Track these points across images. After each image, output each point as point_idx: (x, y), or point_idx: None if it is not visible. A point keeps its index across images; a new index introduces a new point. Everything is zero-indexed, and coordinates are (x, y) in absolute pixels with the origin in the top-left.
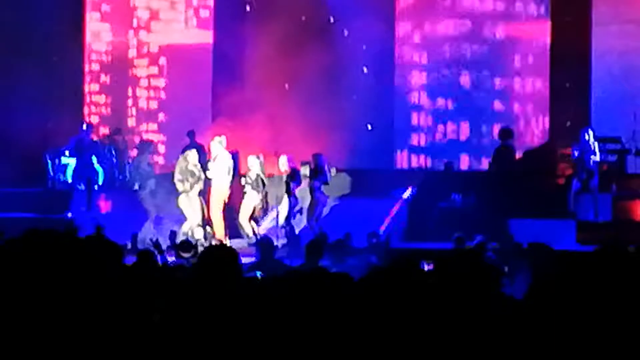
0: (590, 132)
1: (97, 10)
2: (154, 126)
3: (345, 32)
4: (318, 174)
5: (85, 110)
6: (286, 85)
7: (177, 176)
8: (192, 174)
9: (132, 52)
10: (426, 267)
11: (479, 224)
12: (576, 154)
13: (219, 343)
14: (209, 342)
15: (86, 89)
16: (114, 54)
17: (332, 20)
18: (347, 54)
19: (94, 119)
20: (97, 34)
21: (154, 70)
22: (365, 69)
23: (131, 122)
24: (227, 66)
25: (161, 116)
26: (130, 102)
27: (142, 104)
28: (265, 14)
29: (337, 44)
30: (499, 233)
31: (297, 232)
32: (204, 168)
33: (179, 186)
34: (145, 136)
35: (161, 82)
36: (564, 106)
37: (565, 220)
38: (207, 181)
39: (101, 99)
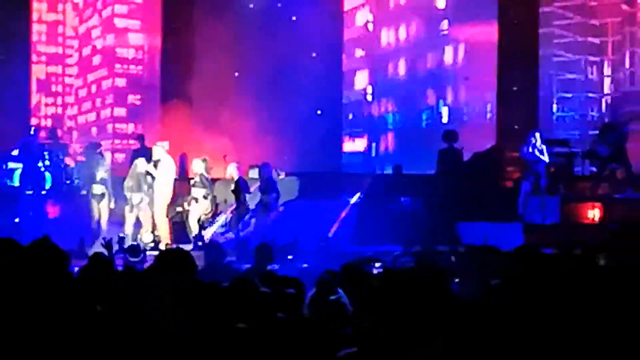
0: (537, 135)
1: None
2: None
3: (294, 18)
4: (267, 186)
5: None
6: (235, 74)
7: (128, 183)
8: (144, 182)
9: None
10: (375, 270)
11: (427, 226)
12: (525, 150)
13: (173, 345)
14: (164, 344)
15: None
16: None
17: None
18: (295, 44)
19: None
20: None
21: None
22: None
23: None
24: (176, 60)
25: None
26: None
27: None
28: (214, 3)
29: (285, 34)
30: (447, 236)
31: (242, 235)
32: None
33: (128, 194)
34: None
35: None
36: (511, 109)
37: (513, 223)
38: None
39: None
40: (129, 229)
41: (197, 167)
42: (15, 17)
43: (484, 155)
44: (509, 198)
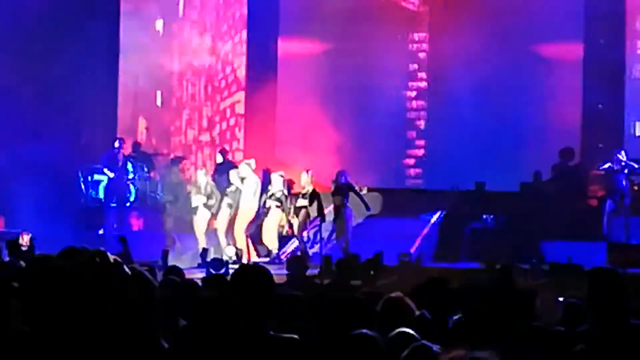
0: (623, 153)
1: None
2: None
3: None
4: (342, 190)
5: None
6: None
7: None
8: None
9: None
10: None
11: (510, 245)
12: (607, 166)
13: None
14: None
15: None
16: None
17: None
18: (381, 68)
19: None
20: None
21: None
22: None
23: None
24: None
25: None
26: None
27: None
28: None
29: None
30: (530, 254)
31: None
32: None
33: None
34: None
35: None
36: (596, 127)
37: (597, 242)
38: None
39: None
40: (201, 239)
41: (275, 181)
42: (106, 28)
43: (567, 173)
44: (593, 217)
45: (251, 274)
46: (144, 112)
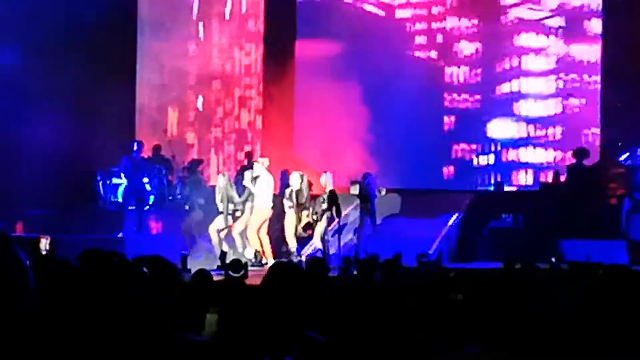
0: None
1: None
2: None
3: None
4: (366, 196)
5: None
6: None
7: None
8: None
9: None
10: None
11: (529, 244)
12: (628, 162)
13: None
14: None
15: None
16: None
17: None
18: (397, 69)
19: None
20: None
21: None
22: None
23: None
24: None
25: None
26: None
27: None
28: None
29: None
30: (549, 253)
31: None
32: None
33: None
34: None
35: None
36: (616, 125)
37: (617, 241)
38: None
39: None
40: (215, 242)
41: (292, 180)
42: (122, 37)
43: (586, 172)
44: (612, 215)
45: (285, 272)
46: (173, 102)
